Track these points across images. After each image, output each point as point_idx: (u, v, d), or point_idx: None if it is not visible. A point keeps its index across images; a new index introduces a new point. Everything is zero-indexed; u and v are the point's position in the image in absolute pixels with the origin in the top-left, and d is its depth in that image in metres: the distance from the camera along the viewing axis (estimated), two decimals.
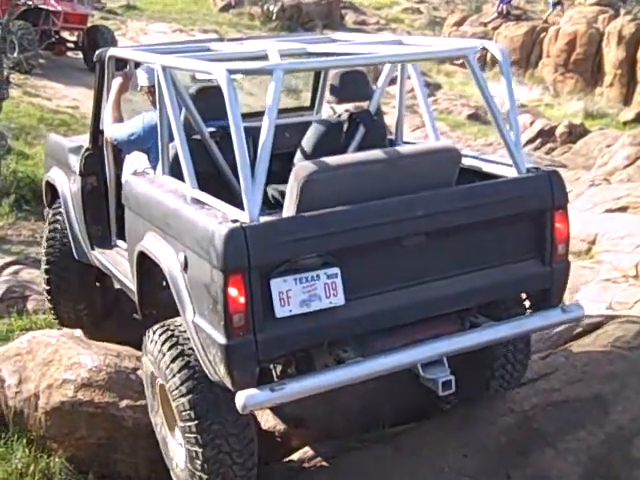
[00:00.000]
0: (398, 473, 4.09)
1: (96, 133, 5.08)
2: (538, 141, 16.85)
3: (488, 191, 3.96)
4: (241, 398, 3.37)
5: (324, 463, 4.35)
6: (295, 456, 4.47)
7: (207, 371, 3.62)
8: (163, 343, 3.84)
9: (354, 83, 4.52)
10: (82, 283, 5.61)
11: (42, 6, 17.48)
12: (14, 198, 9.72)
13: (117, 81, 4.84)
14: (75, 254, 5.36)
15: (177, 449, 4.00)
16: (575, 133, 16.86)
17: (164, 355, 3.81)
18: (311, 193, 3.53)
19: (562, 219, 3.99)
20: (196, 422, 3.68)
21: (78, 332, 5.83)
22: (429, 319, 3.83)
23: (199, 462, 3.73)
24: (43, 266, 5.71)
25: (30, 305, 7.27)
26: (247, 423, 3.81)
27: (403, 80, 4.84)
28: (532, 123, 17.57)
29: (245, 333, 3.34)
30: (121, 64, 4.94)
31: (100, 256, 5.09)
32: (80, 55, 19.00)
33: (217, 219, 3.44)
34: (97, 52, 4.99)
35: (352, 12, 29.68)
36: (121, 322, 5.68)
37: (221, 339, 3.36)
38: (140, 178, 4.32)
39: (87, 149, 5.14)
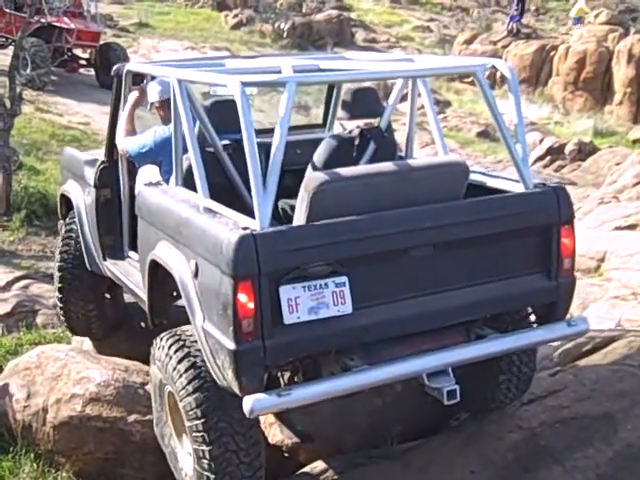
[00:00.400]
0: None
1: (112, 146, 5.14)
2: (547, 159, 16.84)
3: (495, 205, 4.00)
4: (248, 403, 3.40)
5: (332, 478, 4.33)
6: (303, 472, 4.46)
7: (215, 376, 3.65)
8: (170, 347, 3.88)
9: (365, 100, 4.56)
10: (93, 293, 5.66)
11: (55, 23, 17.65)
12: (25, 213, 9.77)
13: (133, 95, 4.91)
14: (87, 264, 5.41)
15: (186, 458, 4.00)
16: (584, 151, 16.85)
17: (171, 358, 3.85)
18: (321, 203, 3.58)
19: (568, 234, 4.02)
20: (203, 420, 3.69)
21: (87, 346, 5.86)
22: (436, 330, 3.85)
23: (206, 461, 3.74)
24: (56, 275, 5.76)
25: (39, 319, 7.30)
26: (253, 423, 3.82)
27: (414, 97, 4.86)
28: (541, 141, 17.57)
29: (254, 339, 3.37)
30: (137, 79, 5.01)
31: (112, 267, 5.13)
32: (92, 72, 19.16)
33: (228, 227, 3.48)
34: (115, 67, 5.05)
35: (362, 30, 29.82)
36: (130, 336, 5.71)
37: (230, 344, 3.39)
38: (153, 188, 4.36)
39: (102, 162, 5.19)
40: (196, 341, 3.77)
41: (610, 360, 4.92)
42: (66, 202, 5.78)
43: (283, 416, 4.80)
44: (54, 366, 4.84)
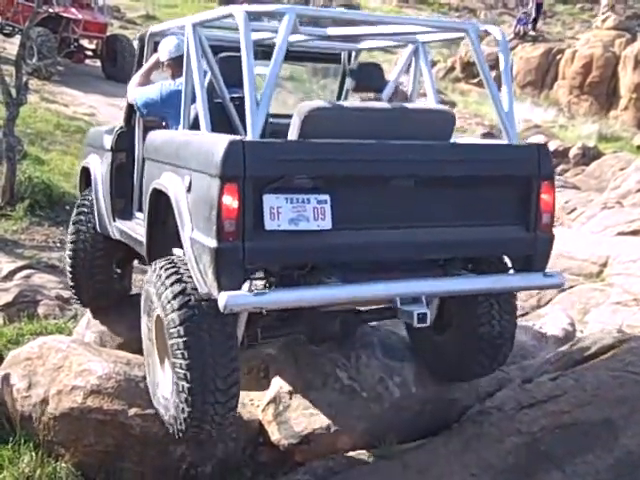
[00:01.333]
0: None
1: (130, 112, 5.29)
2: None
3: (478, 150, 4.43)
4: (223, 298, 3.60)
5: (330, 478, 4.33)
6: (301, 470, 4.46)
7: (198, 284, 3.86)
8: (162, 268, 4.10)
9: (371, 74, 4.75)
10: (102, 261, 5.91)
11: (63, 14, 17.66)
12: (28, 203, 9.75)
13: (154, 57, 5.09)
14: (98, 227, 5.65)
15: (165, 384, 4.19)
16: (589, 155, 16.88)
17: (161, 279, 4.05)
18: (310, 127, 3.87)
19: (548, 190, 4.22)
20: (184, 339, 3.84)
21: (88, 338, 5.86)
22: (413, 265, 4.07)
23: (183, 383, 3.87)
24: (68, 245, 6.06)
25: (41, 310, 7.30)
26: (234, 354, 3.96)
27: (418, 65, 5.03)
28: (546, 144, 17.57)
29: (235, 239, 3.61)
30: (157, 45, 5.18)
31: (120, 226, 5.33)
32: (98, 63, 19.16)
33: (221, 139, 3.73)
34: (139, 34, 5.38)
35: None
36: (132, 327, 5.70)
37: (212, 243, 3.64)
38: (160, 130, 4.73)
39: (121, 127, 5.39)
40: (188, 266, 3.97)
41: (611, 366, 4.91)
42: (86, 178, 6.00)
43: (280, 415, 4.80)
44: (55, 357, 4.82)
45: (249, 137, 3.70)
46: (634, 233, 9.83)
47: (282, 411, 4.81)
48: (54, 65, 16.84)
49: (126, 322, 5.92)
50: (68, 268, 6.10)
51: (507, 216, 4.19)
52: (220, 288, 3.65)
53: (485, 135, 19.47)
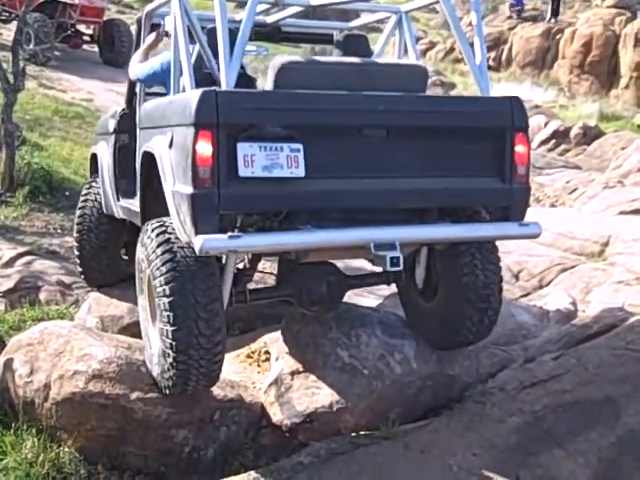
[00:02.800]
0: (407, 471, 4.08)
1: (131, 94, 5.45)
2: (552, 142, 16.80)
3: (449, 101, 4.71)
4: (199, 240, 3.76)
5: (333, 459, 4.33)
6: (303, 452, 4.46)
7: (179, 234, 4.04)
8: (153, 230, 4.26)
9: (357, 43, 4.89)
10: (108, 245, 6.22)
11: None
12: (28, 189, 9.71)
13: (150, 37, 5.24)
14: (104, 208, 5.90)
15: (155, 341, 4.37)
16: (590, 135, 16.80)
17: (152, 240, 4.20)
18: (284, 79, 4.06)
19: (522, 141, 4.29)
20: (171, 298, 4.01)
21: (90, 324, 5.86)
22: (389, 215, 4.19)
23: (169, 341, 4.05)
24: (75, 227, 6.40)
25: (42, 296, 7.30)
26: (218, 311, 4.13)
27: (402, 35, 5.19)
28: (546, 124, 17.52)
29: (210, 186, 3.76)
30: (155, 26, 5.30)
31: (123, 204, 5.52)
32: (96, 48, 19.07)
33: (197, 91, 3.87)
34: (137, 16, 5.55)
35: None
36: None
37: (188, 190, 3.79)
38: (152, 100, 4.89)
39: (123, 109, 5.60)
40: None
41: (613, 345, 4.92)
42: (95, 164, 6.25)
43: (282, 397, 4.81)
44: (57, 342, 4.82)
45: (223, 87, 3.87)
46: (636, 212, 9.82)
47: (284, 392, 4.82)
48: (51, 50, 16.77)
49: (127, 307, 5.94)
50: (76, 251, 6.38)
51: (482, 167, 4.27)
52: (197, 232, 3.80)
53: None
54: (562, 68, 24.22)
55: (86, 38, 19.01)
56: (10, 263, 7.82)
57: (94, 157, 6.25)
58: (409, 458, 4.18)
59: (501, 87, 22.71)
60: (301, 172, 3.86)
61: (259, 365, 5.33)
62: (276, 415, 4.79)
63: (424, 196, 4.20)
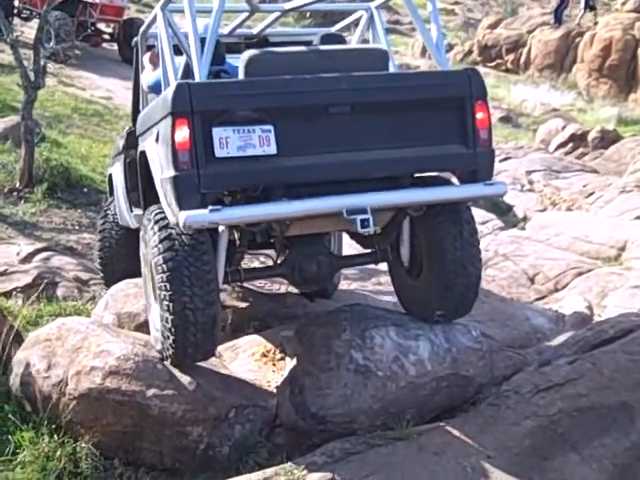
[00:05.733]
0: (421, 472, 4.09)
1: (136, 113, 5.77)
2: (570, 145, 16.74)
3: (408, 77, 5.13)
4: (183, 216, 4.13)
5: (346, 459, 4.35)
6: (317, 451, 4.47)
7: (169, 217, 4.39)
8: (152, 213, 4.63)
9: (333, 43, 5.31)
10: (126, 253, 6.70)
11: None
12: (47, 186, 9.79)
13: (147, 55, 5.69)
14: (120, 220, 6.45)
15: (156, 318, 4.72)
16: (607, 139, 16.72)
17: (151, 223, 4.56)
18: (253, 69, 4.48)
19: (482, 109, 4.62)
20: (168, 274, 4.36)
21: (107, 320, 5.90)
22: (361, 184, 4.46)
23: (168, 315, 4.39)
24: (97, 236, 7.16)
25: (60, 291, 7.34)
26: (212, 289, 4.46)
27: (375, 24, 5.53)
28: (564, 127, 17.46)
29: (189, 168, 4.14)
30: (150, 47, 5.74)
31: (135, 213, 5.92)
32: (115, 47, 19.16)
33: (173, 86, 4.28)
34: (133, 41, 5.92)
35: (385, 11, 29.58)
36: None
37: (171, 173, 4.17)
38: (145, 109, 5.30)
39: (130, 127, 5.91)
40: None
41: (629, 349, 4.91)
42: (111, 185, 6.85)
43: (297, 397, 4.82)
44: (74, 338, 4.86)
45: (196, 80, 4.32)
46: None
47: (298, 392, 4.84)
48: (71, 49, 16.86)
49: (144, 304, 5.96)
50: (97, 259, 7.13)
51: (447, 135, 4.58)
52: (181, 210, 4.17)
53: (502, 119, 19.36)
54: (580, 72, 24.09)
55: (106, 37, 19.13)
56: (28, 259, 7.88)
57: (110, 178, 6.82)
58: (423, 459, 4.18)
59: (518, 89, 22.66)
60: (273, 150, 4.24)
61: (274, 364, 5.34)
62: (290, 415, 4.80)
63: (391, 165, 4.51)
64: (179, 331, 4.43)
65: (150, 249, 4.56)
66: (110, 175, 6.86)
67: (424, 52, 24.58)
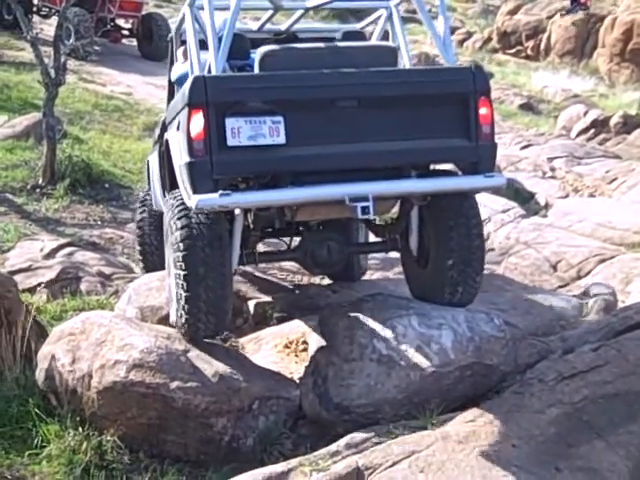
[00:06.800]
0: (446, 461, 4.07)
1: (170, 100, 5.97)
2: (592, 131, 16.60)
3: (416, 72, 5.31)
4: (195, 199, 4.41)
5: (370, 449, 4.34)
6: (341, 441, 4.47)
7: (186, 201, 4.63)
8: (174, 197, 4.90)
9: (354, 39, 5.59)
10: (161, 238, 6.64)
11: None
12: (69, 182, 9.87)
13: (180, 49, 5.92)
14: (154, 205, 6.77)
15: (174, 292, 4.94)
16: (630, 124, 16.54)
17: (173, 206, 4.82)
18: (268, 64, 4.74)
19: (485, 104, 4.78)
20: (184, 252, 4.63)
21: (129, 314, 5.94)
22: (367, 174, 4.64)
23: (183, 292, 4.66)
24: (136, 223, 7.45)
25: (83, 286, 7.40)
26: (223, 254, 4.72)
27: (394, 22, 5.65)
28: (586, 113, 17.30)
29: (204, 155, 4.39)
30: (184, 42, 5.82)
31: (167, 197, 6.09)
32: (135, 43, 19.23)
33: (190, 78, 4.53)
34: (169, 36, 6.34)
35: (405, 1, 29.35)
36: None
37: (187, 159, 4.45)
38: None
39: (164, 117, 6.10)
40: None
41: None
42: (149, 171, 7.13)
43: (320, 388, 4.83)
44: (98, 332, 4.89)
45: (212, 73, 4.57)
46: None
47: (322, 383, 4.84)
48: (91, 45, 16.92)
49: (166, 297, 5.99)
50: (137, 247, 7.45)
51: (451, 129, 4.76)
52: (195, 193, 4.44)
53: (522, 106, 19.23)
54: (602, 57, 23.85)
55: (125, 32, 19.20)
56: (52, 254, 7.95)
57: (148, 165, 7.15)
58: (447, 448, 4.17)
59: (539, 76, 22.48)
60: (282, 140, 4.46)
61: (297, 355, 5.36)
62: (314, 406, 4.81)
63: (394, 156, 4.70)
64: (191, 306, 4.68)
65: (169, 229, 4.87)
66: (148, 162, 7.19)
67: None
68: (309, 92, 4.59)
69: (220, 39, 4.63)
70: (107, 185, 10.22)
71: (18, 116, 11.95)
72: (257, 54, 4.80)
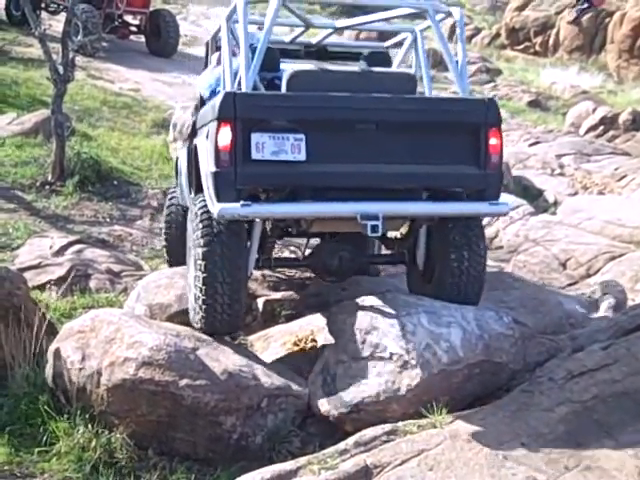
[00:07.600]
0: (455, 459, 4.08)
1: (202, 103, 6.15)
2: (600, 128, 16.50)
3: (432, 101, 5.59)
4: (217, 207, 4.73)
5: (379, 447, 4.34)
6: (350, 439, 4.47)
7: (209, 207, 4.90)
8: (197, 199, 5.21)
9: (379, 59, 6.03)
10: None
11: None
12: (78, 179, 9.85)
13: (215, 55, 6.21)
14: (181, 200, 6.97)
15: (193, 286, 5.15)
16: (639, 121, 16.46)
17: (196, 207, 5.10)
18: (294, 84, 5.05)
19: (495, 135, 5.06)
20: (204, 249, 4.89)
21: (139, 311, 5.95)
22: (380, 195, 4.94)
23: (200, 286, 4.91)
24: (164, 218, 7.58)
25: (92, 284, 7.41)
26: (240, 256, 5.00)
27: (418, 47, 5.93)
28: (594, 110, 17.20)
29: (229, 166, 4.72)
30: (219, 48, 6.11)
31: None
32: (142, 39, 19.23)
33: (222, 93, 4.89)
34: (205, 41, 6.77)
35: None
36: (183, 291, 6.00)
37: (213, 169, 4.78)
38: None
39: (195, 119, 6.32)
40: None
41: None
42: (177, 167, 7.35)
43: (329, 386, 4.83)
44: (108, 330, 4.90)
45: (242, 90, 4.87)
46: None
47: (331, 381, 4.85)
48: (99, 41, 16.93)
49: (175, 295, 6.01)
50: (164, 241, 7.61)
51: (461, 157, 5.03)
52: (218, 202, 4.74)
53: (531, 103, 19.15)
54: (610, 53, 23.73)
55: (133, 29, 19.18)
56: (61, 251, 7.95)
57: (177, 161, 7.39)
58: (456, 446, 4.17)
59: (547, 72, 22.40)
60: (302, 157, 4.76)
61: (306, 353, 5.36)
62: (323, 405, 4.82)
63: (407, 179, 5.01)
64: (208, 303, 4.93)
65: (191, 231, 5.17)
66: (177, 158, 7.46)
67: None
68: (330, 114, 4.88)
69: (253, 52, 4.91)
70: (116, 182, 10.21)
71: (27, 113, 11.94)
72: (285, 74, 5.12)
